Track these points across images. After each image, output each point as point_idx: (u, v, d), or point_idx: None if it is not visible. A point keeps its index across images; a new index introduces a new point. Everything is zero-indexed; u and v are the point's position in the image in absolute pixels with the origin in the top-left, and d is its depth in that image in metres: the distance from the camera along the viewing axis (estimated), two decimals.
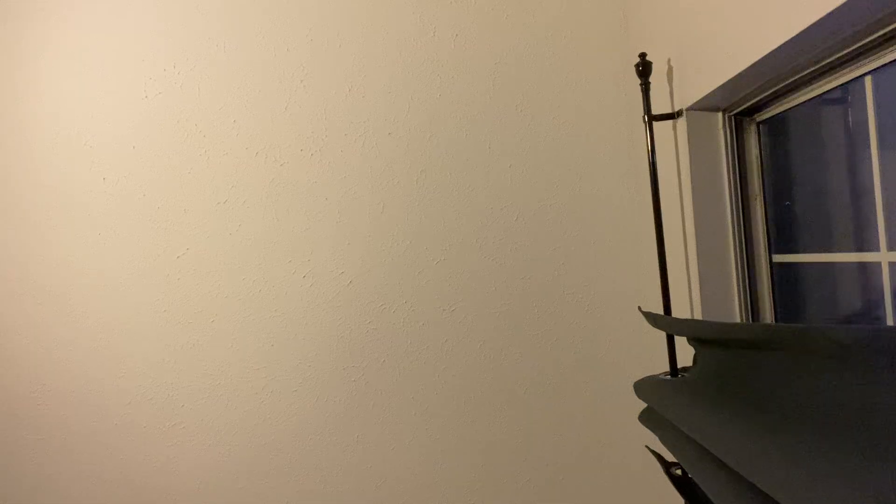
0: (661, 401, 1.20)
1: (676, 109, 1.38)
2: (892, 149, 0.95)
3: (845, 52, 0.94)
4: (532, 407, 1.72)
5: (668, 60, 1.39)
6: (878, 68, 0.93)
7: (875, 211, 0.99)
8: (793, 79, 1.08)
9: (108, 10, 1.65)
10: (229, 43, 1.67)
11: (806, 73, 1.04)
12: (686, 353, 1.28)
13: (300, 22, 1.68)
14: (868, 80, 0.97)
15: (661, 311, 1.48)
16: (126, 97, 1.65)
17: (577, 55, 1.72)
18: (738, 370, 0.97)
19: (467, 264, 1.71)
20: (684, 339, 1.25)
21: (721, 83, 1.14)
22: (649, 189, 1.42)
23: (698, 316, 1.37)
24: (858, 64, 0.95)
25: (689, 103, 1.30)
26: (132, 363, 1.65)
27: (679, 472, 1.26)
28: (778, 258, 1.31)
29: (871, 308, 1.04)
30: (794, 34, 0.89)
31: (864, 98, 0.99)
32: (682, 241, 1.42)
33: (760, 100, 1.21)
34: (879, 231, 0.98)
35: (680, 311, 1.45)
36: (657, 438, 1.23)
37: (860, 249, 1.06)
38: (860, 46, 0.91)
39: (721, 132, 1.34)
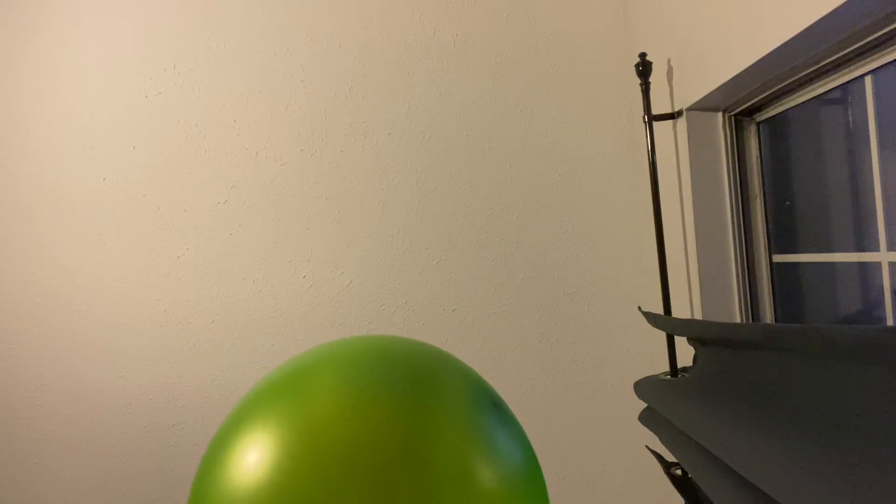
0: (661, 401, 1.20)
1: (676, 109, 1.38)
2: (892, 149, 0.95)
3: (845, 52, 0.94)
4: (532, 407, 1.71)
5: (668, 60, 1.39)
6: (878, 68, 0.93)
7: (875, 211, 0.99)
8: (793, 79, 1.08)
9: (109, 11, 1.65)
10: (229, 43, 1.67)
11: (806, 73, 1.04)
12: (686, 353, 1.28)
13: (300, 22, 1.68)
14: (868, 80, 0.97)
15: (661, 311, 1.48)
16: (126, 97, 1.65)
17: (577, 55, 1.72)
18: (739, 370, 0.97)
19: (467, 264, 1.71)
20: (684, 339, 1.26)
21: (721, 83, 1.14)
22: (649, 189, 1.42)
23: (698, 316, 1.37)
24: (858, 64, 0.95)
25: (689, 103, 1.30)
26: (132, 363, 1.65)
27: (679, 472, 1.26)
28: (778, 258, 1.31)
29: (871, 308, 1.04)
30: (794, 34, 0.89)
31: (864, 98, 0.99)
32: (682, 242, 1.42)
33: (760, 100, 1.21)
34: (879, 231, 0.98)
35: (680, 311, 1.45)
36: (657, 438, 1.23)
37: (860, 249, 1.06)
38: (860, 46, 0.91)
39: (721, 132, 1.34)
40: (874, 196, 0.99)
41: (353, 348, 0.51)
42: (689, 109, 1.33)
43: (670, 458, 1.33)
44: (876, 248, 1.00)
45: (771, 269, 1.33)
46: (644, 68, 1.35)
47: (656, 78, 1.46)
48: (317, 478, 0.40)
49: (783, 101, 1.18)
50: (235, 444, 0.45)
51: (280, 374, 0.50)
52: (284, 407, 0.45)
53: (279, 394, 0.47)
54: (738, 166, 1.34)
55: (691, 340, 1.19)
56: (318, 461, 0.41)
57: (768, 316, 1.33)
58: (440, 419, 0.46)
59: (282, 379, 0.49)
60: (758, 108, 1.28)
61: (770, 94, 1.17)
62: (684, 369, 1.31)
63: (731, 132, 1.34)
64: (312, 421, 0.43)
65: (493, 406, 0.52)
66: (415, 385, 0.47)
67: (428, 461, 0.43)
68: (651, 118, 1.37)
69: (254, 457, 0.43)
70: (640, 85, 1.36)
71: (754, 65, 1.02)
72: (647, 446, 1.45)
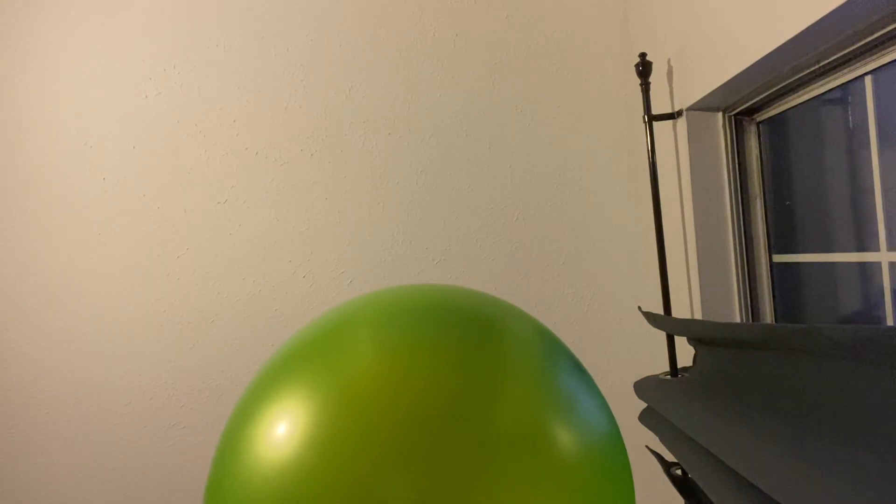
0: (661, 401, 1.20)
1: (676, 109, 1.38)
2: (892, 149, 0.95)
3: (845, 52, 0.94)
4: None
5: (668, 60, 1.39)
6: (878, 68, 0.93)
7: (875, 211, 0.99)
8: (793, 79, 1.08)
9: (108, 10, 1.65)
10: (229, 43, 1.67)
11: (806, 73, 1.04)
12: (686, 353, 1.28)
13: (300, 22, 1.68)
14: (868, 80, 0.97)
15: (661, 312, 1.48)
16: (126, 97, 1.65)
17: (577, 55, 1.72)
18: (739, 370, 0.97)
19: (467, 264, 1.71)
20: (684, 339, 1.26)
21: (721, 83, 1.14)
22: (649, 189, 1.42)
23: (698, 316, 1.37)
24: (858, 64, 0.95)
25: (689, 103, 1.30)
26: (132, 363, 1.65)
27: (679, 472, 1.26)
28: (778, 258, 1.31)
29: (871, 308, 1.04)
30: (794, 34, 0.89)
31: (864, 98, 0.99)
32: (682, 241, 1.42)
33: (760, 100, 1.21)
34: (879, 231, 0.98)
35: (680, 311, 1.45)
36: (657, 438, 1.23)
37: (860, 249, 1.06)
38: (860, 46, 0.91)
39: (721, 132, 1.34)
40: (874, 196, 0.99)
41: (398, 297, 0.42)
42: (689, 109, 1.33)
43: (670, 458, 1.33)
44: (876, 248, 1.00)
45: (771, 269, 1.33)
46: (644, 68, 1.35)
47: (656, 78, 1.46)
48: (355, 450, 0.33)
49: (783, 101, 1.18)
50: (260, 414, 0.37)
51: (311, 330, 0.42)
52: (316, 368, 0.37)
53: (310, 353, 0.39)
54: (738, 166, 1.34)
55: (691, 340, 1.19)
56: (356, 430, 0.34)
57: (768, 316, 1.33)
58: (505, 373, 0.37)
59: (313, 336, 0.41)
60: (758, 108, 1.28)
61: (770, 94, 1.17)
62: (684, 369, 1.31)
63: (731, 132, 1.34)
64: (349, 382, 0.35)
65: (570, 363, 0.42)
66: (473, 335, 0.38)
67: (490, 422, 0.35)
68: (651, 118, 1.37)
69: (282, 428, 0.35)
70: (640, 85, 1.36)
71: (754, 65, 1.02)
72: (647, 446, 1.45)
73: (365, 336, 0.38)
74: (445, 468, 0.33)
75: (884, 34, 0.86)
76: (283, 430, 0.35)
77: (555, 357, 0.41)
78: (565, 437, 0.37)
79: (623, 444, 0.47)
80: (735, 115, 1.32)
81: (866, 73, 0.96)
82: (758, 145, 1.33)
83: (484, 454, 0.34)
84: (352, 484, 0.32)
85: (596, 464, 0.38)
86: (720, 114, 1.34)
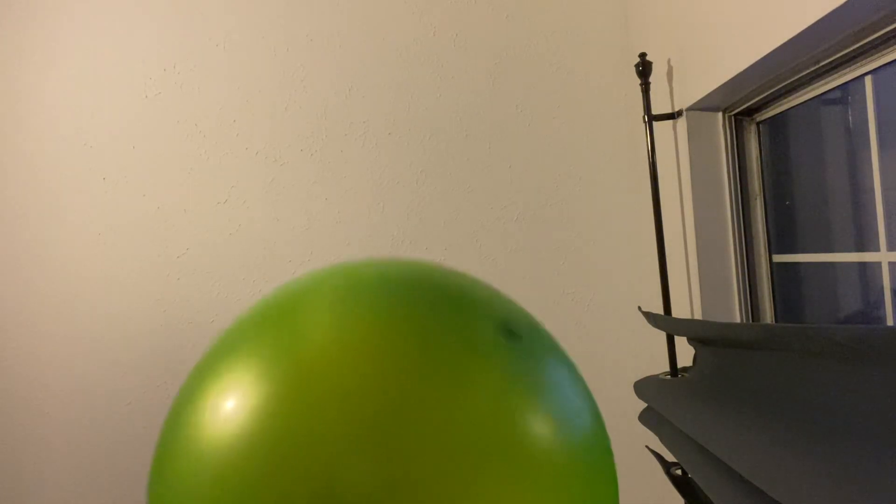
0: (661, 401, 1.20)
1: (676, 109, 1.38)
2: (892, 149, 0.95)
3: (845, 52, 0.94)
4: None
5: (668, 60, 1.39)
6: (878, 68, 0.93)
7: (875, 211, 0.99)
8: (793, 79, 1.08)
9: (109, 10, 1.65)
10: (229, 43, 1.67)
11: (806, 73, 1.04)
12: (686, 353, 1.28)
13: (300, 22, 1.68)
14: (868, 80, 0.97)
15: (661, 311, 1.48)
16: (126, 97, 1.65)
17: (577, 55, 1.72)
18: (738, 370, 0.97)
19: (467, 264, 1.71)
20: (684, 339, 1.26)
21: (721, 83, 1.14)
22: (649, 189, 1.42)
23: (698, 316, 1.37)
24: (858, 64, 0.95)
25: (689, 103, 1.30)
26: (132, 363, 1.65)
27: (679, 472, 1.26)
28: (778, 258, 1.31)
29: (871, 308, 1.04)
30: (794, 34, 0.89)
31: (864, 98, 0.99)
32: (682, 242, 1.42)
33: (760, 100, 1.21)
34: (879, 231, 0.98)
35: (680, 311, 1.45)
36: (657, 438, 1.23)
37: (860, 249, 1.06)
38: (860, 46, 0.91)
39: (721, 132, 1.34)
40: (874, 196, 0.99)
41: (360, 270, 0.40)
42: (689, 109, 1.33)
43: (670, 458, 1.33)
44: (876, 248, 1.00)
45: (771, 269, 1.33)
46: (644, 68, 1.35)
47: (656, 78, 1.45)
48: (307, 431, 0.31)
49: (783, 101, 1.18)
50: (208, 389, 0.36)
51: (265, 303, 0.41)
52: (268, 341, 0.36)
53: (264, 326, 0.38)
54: (738, 166, 1.34)
55: (691, 340, 1.19)
56: (308, 409, 0.32)
57: (768, 316, 1.33)
58: (472, 354, 0.35)
59: (267, 309, 0.40)
60: (758, 108, 1.28)
61: (770, 94, 1.17)
62: (684, 369, 1.31)
63: (731, 132, 1.34)
64: (302, 357, 0.34)
65: (546, 343, 0.40)
66: (438, 311, 0.37)
67: (456, 408, 0.33)
68: (651, 118, 1.37)
69: (231, 403, 0.34)
70: (640, 85, 1.36)
71: (754, 65, 1.02)
72: (647, 446, 1.45)
73: (321, 310, 0.36)
74: (403, 450, 0.31)
75: (884, 34, 0.86)
76: (229, 408, 0.34)
77: (529, 336, 0.40)
78: (539, 426, 0.35)
79: (606, 434, 0.44)
80: (735, 115, 1.32)
81: (866, 73, 0.96)
82: (758, 145, 1.33)
83: (446, 438, 0.32)
84: (303, 464, 0.31)
85: (573, 453, 0.37)
86: (720, 114, 1.34)
